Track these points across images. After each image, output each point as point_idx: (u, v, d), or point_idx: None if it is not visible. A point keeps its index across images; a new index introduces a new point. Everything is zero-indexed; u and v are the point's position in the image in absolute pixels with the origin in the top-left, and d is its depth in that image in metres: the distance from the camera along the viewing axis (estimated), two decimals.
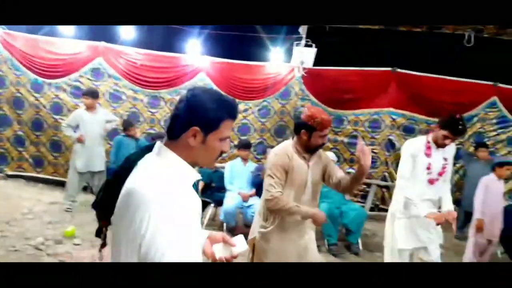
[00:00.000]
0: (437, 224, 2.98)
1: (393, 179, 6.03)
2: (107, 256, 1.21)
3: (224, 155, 1.30)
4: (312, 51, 5.98)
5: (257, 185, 4.83)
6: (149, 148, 1.25)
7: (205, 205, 4.91)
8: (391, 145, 6.14)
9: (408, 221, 3.16)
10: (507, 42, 6.01)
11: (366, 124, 6.11)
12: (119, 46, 5.97)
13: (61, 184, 5.84)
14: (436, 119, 5.69)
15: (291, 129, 6.11)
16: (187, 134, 1.16)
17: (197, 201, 1.22)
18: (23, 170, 6.13)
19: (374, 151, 5.97)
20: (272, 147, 5.60)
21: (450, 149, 3.18)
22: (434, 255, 3.19)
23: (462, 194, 5.56)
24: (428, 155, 3.09)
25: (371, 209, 6.00)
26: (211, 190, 5.17)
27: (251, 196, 4.87)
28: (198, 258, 1.19)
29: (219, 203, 5.04)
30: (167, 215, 1.05)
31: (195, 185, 1.23)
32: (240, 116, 5.93)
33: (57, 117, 5.91)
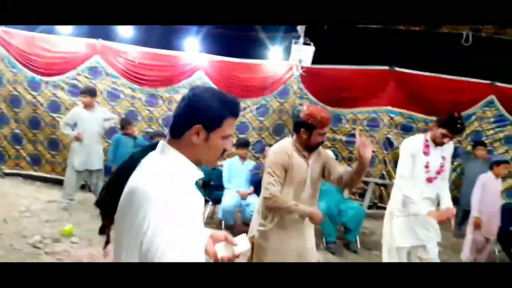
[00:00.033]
0: (439, 223, 3.00)
1: (391, 177, 6.05)
2: (111, 253, 1.22)
3: None
4: (311, 49, 5.97)
5: (255, 184, 4.83)
6: (152, 147, 1.26)
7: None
8: (389, 144, 6.16)
9: (406, 219, 3.17)
10: (505, 41, 6.02)
11: (365, 122, 6.12)
12: (117, 44, 5.95)
13: (59, 182, 5.82)
14: (434, 118, 5.74)
15: (289, 127, 6.11)
16: (190, 132, 1.17)
17: (200, 199, 1.22)
18: (21, 168, 6.11)
19: (372, 149, 5.97)
20: (270, 145, 5.60)
21: (448, 148, 3.19)
22: (432, 253, 3.21)
23: (460, 192, 5.58)
24: (426, 153, 3.10)
25: (369, 207, 6.01)
26: (210, 188, 5.17)
27: (249, 194, 4.88)
28: (200, 257, 1.19)
29: (217, 201, 5.04)
30: (169, 213, 1.05)
31: (198, 184, 1.23)
32: None
33: (54, 115, 5.89)
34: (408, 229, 3.18)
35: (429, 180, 3.10)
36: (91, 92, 5.04)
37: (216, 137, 1.20)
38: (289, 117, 6.10)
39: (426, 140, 3.13)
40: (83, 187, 5.75)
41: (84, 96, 4.95)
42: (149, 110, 6.05)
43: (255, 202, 4.63)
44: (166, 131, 5.80)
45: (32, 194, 5.51)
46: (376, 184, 6.15)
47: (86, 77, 5.85)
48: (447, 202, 3.11)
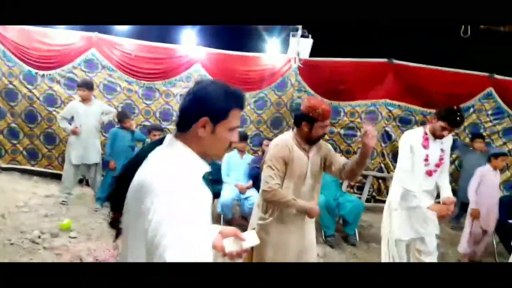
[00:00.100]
0: (441, 217, 3.02)
1: (389, 170, 6.06)
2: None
3: None
4: (309, 41, 5.93)
5: (254, 177, 4.82)
6: (160, 142, 1.26)
7: None
8: (387, 137, 6.16)
9: (405, 213, 3.18)
10: (503, 33, 6.00)
11: (363, 115, 6.10)
12: (113, 37, 5.88)
13: (56, 177, 5.79)
14: (432, 111, 5.74)
15: (287, 120, 6.09)
16: (197, 125, 1.18)
17: (207, 193, 1.22)
18: (17, 163, 6.06)
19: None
20: (268, 138, 5.59)
21: (447, 140, 3.19)
22: (431, 246, 3.23)
23: (457, 185, 5.60)
24: (425, 146, 3.10)
25: (368, 200, 6.03)
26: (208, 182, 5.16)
27: (248, 188, 4.86)
28: (207, 251, 1.19)
29: (216, 195, 5.03)
30: (175, 204, 1.05)
31: (206, 178, 1.22)
32: None
33: (51, 109, 5.84)
34: (407, 222, 3.20)
35: (429, 173, 3.11)
36: (88, 86, 5.00)
37: (222, 129, 1.21)
38: (287, 110, 6.08)
39: (425, 133, 3.13)
40: (81, 182, 5.73)
41: (81, 90, 4.91)
42: (146, 104, 6.01)
43: (253, 196, 4.63)
44: (164, 124, 5.76)
45: (29, 188, 5.49)
46: (375, 177, 6.16)
47: (82, 70, 5.79)
48: (447, 192, 3.13)
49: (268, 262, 2.46)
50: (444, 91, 5.76)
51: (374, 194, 6.31)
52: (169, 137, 1.23)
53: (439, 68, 5.87)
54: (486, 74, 5.91)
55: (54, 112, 5.79)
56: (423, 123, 5.58)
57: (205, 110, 1.18)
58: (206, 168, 1.23)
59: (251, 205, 4.49)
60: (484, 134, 5.91)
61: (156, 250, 1.02)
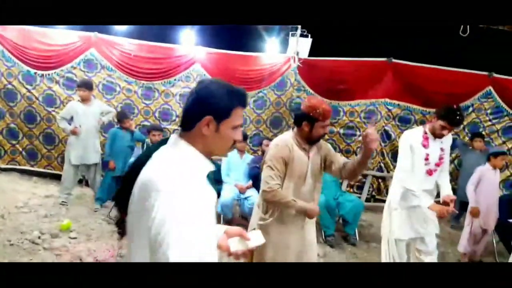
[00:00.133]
0: (440, 217, 3.02)
1: (389, 169, 6.06)
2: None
3: None
4: (308, 41, 5.93)
5: (254, 177, 4.82)
6: (165, 141, 1.28)
7: None
8: (387, 136, 6.15)
9: (405, 212, 3.18)
10: (503, 32, 6.00)
11: (362, 115, 6.10)
12: (112, 36, 5.87)
13: (56, 177, 5.79)
14: (432, 110, 5.74)
15: (287, 120, 6.09)
16: (201, 124, 1.20)
17: (211, 192, 1.25)
18: (17, 164, 6.05)
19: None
20: (268, 138, 5.58)
21: (447, 139, 3.20)
22: (431, 246, 3.23)
23: (457, 184, 5.60)
24: (425, 146, 3.10)
25: (367, 200, 6.03)
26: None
27: (248, 188, 4.86)
28: (211, 250, 1.19)
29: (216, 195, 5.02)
30: (178, 202, 1.06)
31: (210, 178, 1.24)
32: None
33: (50, 109, 5.83)
34: (407, 222, 3.20)
35: (429, 172, 3.11)
36: (87, 86, 4.99)
37: (226, 128, 1.23)
38: (287, 109, 6.07)
39: (425, 133, 3.13)
40: (80, 182, 5.72)
41: (81, 90, 4.91)
42: (145, 104, 6.00)
43: (253, 196, 4.63)
44: (163, 124, 5.76)
45: (29, 189, 5.48)
46: (374, 176, 6.16)
47: (81, 70, 5.79)
48: (447, 191, 3.13)
49: (268, 262, 2.46)
50: (443, 90, 5.76)
51: (374, 193, 6.31)
52: (173, 137, 1.25)
53: (438, 67, 5.86)
54: (485, 73, 5.91)
55: (53, 112, 5.78)
56: (422, 122, 5.59)
57: (209, 109, 1.20)
58: (211, 167, 1.26)
59: (251, 205, 4.49)
60: (484, 133, 5.91)
61: (159, 248, 1.04)
